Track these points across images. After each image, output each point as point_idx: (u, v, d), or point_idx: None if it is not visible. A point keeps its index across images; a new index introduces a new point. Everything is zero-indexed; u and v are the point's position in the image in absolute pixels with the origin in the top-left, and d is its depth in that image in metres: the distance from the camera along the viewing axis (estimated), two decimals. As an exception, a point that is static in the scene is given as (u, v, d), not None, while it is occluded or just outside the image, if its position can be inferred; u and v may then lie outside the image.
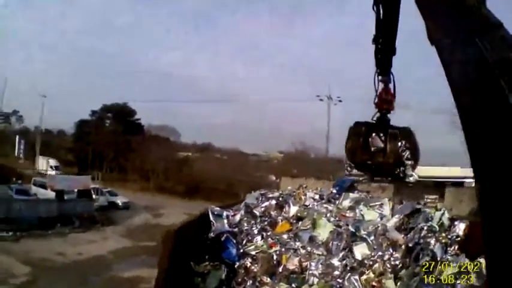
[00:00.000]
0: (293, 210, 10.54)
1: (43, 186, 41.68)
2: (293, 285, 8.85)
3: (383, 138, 5.75)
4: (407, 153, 5.82)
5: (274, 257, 9.31)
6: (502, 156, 1.98)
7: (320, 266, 8.78)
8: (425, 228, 9.49)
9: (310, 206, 10.63)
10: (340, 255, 8.65)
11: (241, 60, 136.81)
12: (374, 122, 6.10)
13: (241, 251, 10.12)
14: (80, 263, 25.52)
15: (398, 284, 7.93)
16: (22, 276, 21.88)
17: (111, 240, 32.06)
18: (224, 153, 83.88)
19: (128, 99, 78.91)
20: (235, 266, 10.06)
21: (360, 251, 8.63)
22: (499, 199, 1.94)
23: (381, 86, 6.53)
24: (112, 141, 72.40)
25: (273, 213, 11.72)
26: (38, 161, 63.81)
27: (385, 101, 6.45)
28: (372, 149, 5.81)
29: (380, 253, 8.45)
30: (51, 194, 38.97)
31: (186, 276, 9.53)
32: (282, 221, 10.91)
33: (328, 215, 9.94)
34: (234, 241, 10.24)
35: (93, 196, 43.95)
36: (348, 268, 8.43)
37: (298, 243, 9.52)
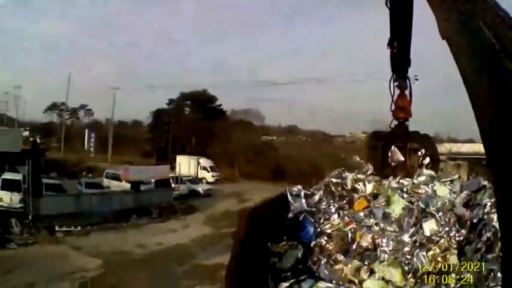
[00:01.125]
0: (369, 187, 9.80)
1: (116, 178, 40.42)
2: (365, 262, 8.20)
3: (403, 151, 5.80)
4: (427, 161, 5.91)
5: (349, 235, 8.69)
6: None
7: (391, 242, 8.09)
8: (488, 204, 8.64)
9: (386, 182, 9.83)
10: (411, 231, 7.95)
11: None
12: (392, 131, 6.14)
13: (319, 229, 9.54)
14: (161, 252, 24.93)
15: (462, 259, 7.11)
16: (93, 270, 21.16)
17: (193, 229, 31.24)
18: (309, 135, 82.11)
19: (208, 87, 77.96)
20: (311, 245, 9.54)
21: (429, 227, 7.86)
22: None
23: (397, 92, 6.50)
24: (193, 128, 71.39)
25: (350, 191, 10.96)
26: (179, 162, 54.30)
27: (401, 109, 6.42)
28: (393, 163, 6.00)
29: (447, 229, 7.67)
30: (126, 186, 38.18)
31: (262, 256, 9.05)
32: (359, 198, 10.19)
33: (403, 190, 9.18)
34: (312, 220, 9.65)
35: (173, 185, 42.63)
36: (417, 244, 7.75)
37: (372, 220, 8.80)
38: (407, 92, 6.70)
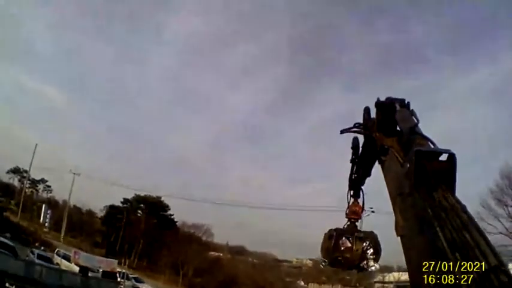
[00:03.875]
0: None
1: (67, 259, 40.12)
2: None
3: (351, 240, 7.34)
4: (370, 251, 7.30)
5: None
6: None
7: None
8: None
9: None
10: None
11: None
12: (344, 228, 7.79)
13: None
14: None
15: None
16: None
17: None
18: (256, 257, 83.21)
19: (162, 194, 78.98)
20: None
21: None
22: None
23: (352, 200, 8.32)
24: (143, 232, 71.70)
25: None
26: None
27: (353, 212, 8.23)
28: (342, 248, 7.37)
29: None
30: (74, 268, 37.55)
31: None
32: None
33: None
34: None
35: (118, 279, 42.64)
36: None
37: None
38: (360, 200, 8.40)
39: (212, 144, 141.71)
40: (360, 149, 7.01)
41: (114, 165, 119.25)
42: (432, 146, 3.53)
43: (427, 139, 3.60)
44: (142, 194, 77.36)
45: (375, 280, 69.46)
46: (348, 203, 8.46)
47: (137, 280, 49.18)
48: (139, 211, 79.78)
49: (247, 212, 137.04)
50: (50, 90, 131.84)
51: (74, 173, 71.22)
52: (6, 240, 33.71)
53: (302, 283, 62.08)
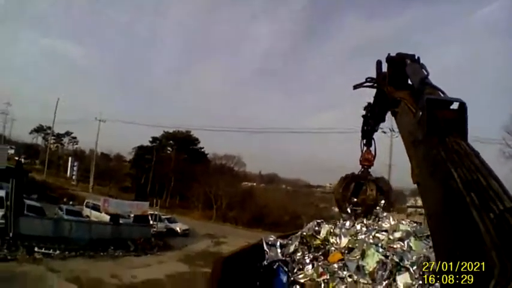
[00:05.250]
0: (344, 241, 10.60)
1: (97, 209, 40.45)
2: (337, 312, 8.95)
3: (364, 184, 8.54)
4: (382, 201, 8.49)
5: (322, 285, 9.39)
6: None
7: (365, 294, 8.87)
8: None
9: (361, 237, 10.59)
10: (384, 283, 8.68)
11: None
12: (359, 173, 9.13)
13: (292, 278, 10.24)
14: (133, 285, 24.60)
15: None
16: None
17: (168, 265, 30.74)
18: (289, 184, 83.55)
19: (193, 127, 78.80)
20: (284, 293, 10.26)
21: (403, 280, 8.64)
22: None
23: (365, 148, 9.30)
24: (174, 168, 71.79)
25: (326, 243, 11.70)
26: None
27: (366, 160, 9.28)
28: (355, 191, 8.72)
29: (420, 282, 8.44)
30: (105, 218, 38.15)
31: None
32: (334, 250, 10.95)
33: (379, 245, 9.93)
34: (286, 269, 10.38)
35: (151, 222, 42.77)
36: (391, 297, 8.60)
37: (345, 273, 9.54)
38: (372, 148, 9.35)
39: (238, 78, 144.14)
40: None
41: (139, 108, 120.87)
42: (443, 96, 3.59)
43: (437, 89, 3.68)
44: (171, 130, 77.22)
45: (407, 205, 68.90)
46: (362, 151, 9.51)
47: (170, 220, 49.47)
48: (169, 148, 79.88)
49: (277, 138, 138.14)
50: (66, 45, 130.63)
51: (100, 120, 71.40)
52: (33, 202, 34.30)
53: (336, 209, 61.90)
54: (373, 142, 9.32)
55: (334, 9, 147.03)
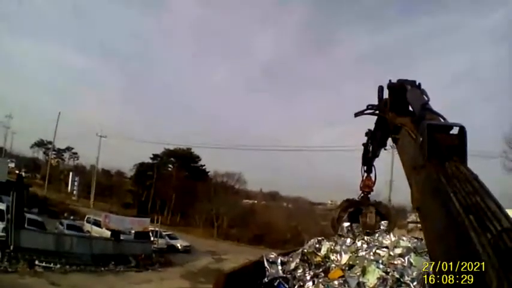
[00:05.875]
0: (345, 258, 10.64)
1: (98, 224, 40.44)
2: (336, 329, 8.95)
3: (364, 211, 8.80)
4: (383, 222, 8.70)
5: None
6: None
7: (364, 310, 8.83)
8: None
9: (362, 253, 10.59)
10: None
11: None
12: (359, 199, 9.44)
13: None
14: None
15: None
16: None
17: (169, 281, 30.76)
18: (290, 201, 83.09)
19: (193, 145, 79.03)
20: (284, 310, 10.32)
21: None
22: None
23: (365, 174, 9.57)
24: (175, 186, 71.84)
25: (326, 260, 11.73)
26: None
27: (366, 186, 9.57)
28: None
29: None
30: (106, 233, 37.88)
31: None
32: (335, 267, 10.98)
33: (379, 261, 9.95)
34: (287, 286, 10.38)
35: (152, 238, 42.49)
36: (390, 312, 8.63)
37: None
38: (372, 174, 9.63)
39: (237, 91, 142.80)
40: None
41: (140, 124, 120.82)
42: (443, 121, 3.67)
43: (437, 114, 3.77)
44: (171, 147, 77.45)
45: (408, 220, 68.46)
46: (362, 177, 9.71)
47: (171, 237, 49.41)
48: (170, 165, 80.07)
49: (278, 156, 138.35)
50: (68, 55, 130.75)
51: (100, 136, 71.40)
52: (33, 216, 34.27)
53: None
54: (373, 169, 9.57)
55: (341, 22, 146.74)
